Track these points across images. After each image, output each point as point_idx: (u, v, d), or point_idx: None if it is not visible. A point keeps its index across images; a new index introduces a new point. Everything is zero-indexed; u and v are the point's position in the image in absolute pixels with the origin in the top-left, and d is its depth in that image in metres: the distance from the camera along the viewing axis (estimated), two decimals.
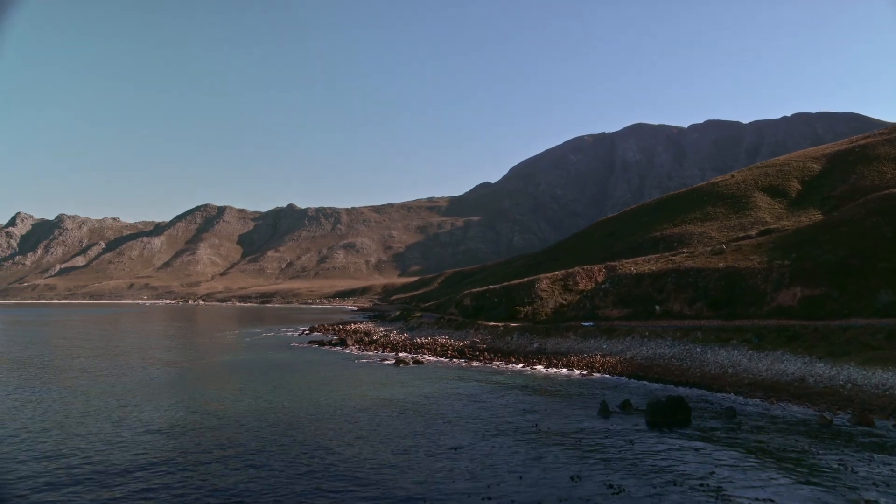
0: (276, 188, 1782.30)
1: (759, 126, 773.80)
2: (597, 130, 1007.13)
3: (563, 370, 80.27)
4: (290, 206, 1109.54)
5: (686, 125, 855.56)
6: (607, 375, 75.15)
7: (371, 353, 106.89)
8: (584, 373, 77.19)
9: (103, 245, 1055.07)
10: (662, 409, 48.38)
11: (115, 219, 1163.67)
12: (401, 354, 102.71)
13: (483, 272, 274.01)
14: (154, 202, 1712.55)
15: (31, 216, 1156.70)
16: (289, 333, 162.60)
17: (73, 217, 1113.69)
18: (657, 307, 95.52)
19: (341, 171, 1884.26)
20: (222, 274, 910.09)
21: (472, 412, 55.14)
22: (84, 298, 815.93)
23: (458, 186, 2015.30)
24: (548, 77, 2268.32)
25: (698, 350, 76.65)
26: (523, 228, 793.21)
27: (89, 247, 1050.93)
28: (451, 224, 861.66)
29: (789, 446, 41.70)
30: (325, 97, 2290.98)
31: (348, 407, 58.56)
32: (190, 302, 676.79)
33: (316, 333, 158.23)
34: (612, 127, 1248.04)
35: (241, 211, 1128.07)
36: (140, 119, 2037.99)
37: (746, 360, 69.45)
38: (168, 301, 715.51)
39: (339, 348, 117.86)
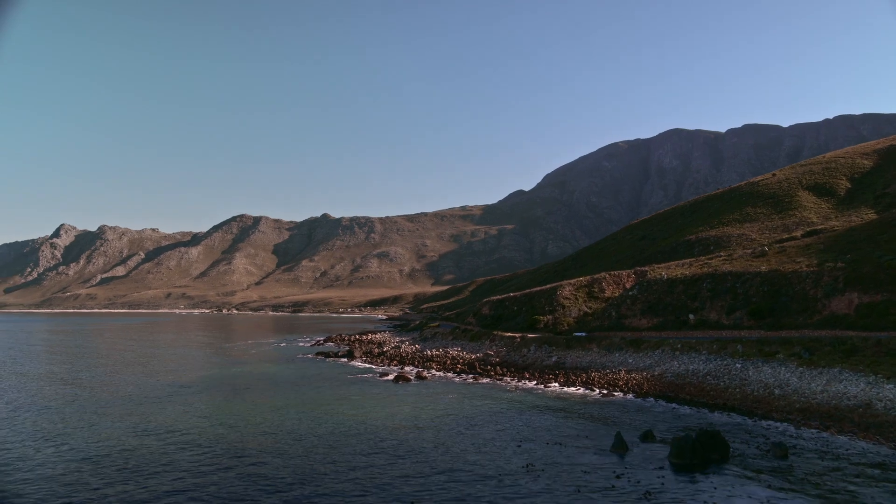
0: (310, 198, 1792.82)
1: (800, 129, 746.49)
2: (631, 136, 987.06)
3: (581, 389, 70.14)
4: (325, 216, 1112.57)
5: (724, 129, 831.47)
6: (631, 396, 64.80)
7: (376, 367, 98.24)
8: (605, 392, 66.95)
9: (142, 255, 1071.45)
10: (692, 447, 38.12)
11: (154, 229, 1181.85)
12: (406, 368, 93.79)
13: (515, 280, 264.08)
14: (192, 213, 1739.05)
15: (74, 227, 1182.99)
16: (300, 344, 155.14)
17: (114, 228, 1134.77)
18: (691, 316, 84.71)
19: (375, 181, 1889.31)
20: (257, 283, 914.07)
21: (457, 442, 45.75)
22: (123, 308, 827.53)
23: (492, 195, 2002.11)
24: (582, 84, 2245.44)
25: (738, 366, 65.78)
26: (557, 236, 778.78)
27: (129, 257, 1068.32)
28: (484, 233, 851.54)
29: (863, 499, 31.39)
30: (359, 108, 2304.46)
31: (316, 432, 49.69)
32: (223, 311, 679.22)
33: (329, 344, 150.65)
34: (648, 133, 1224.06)
35: (276, 221, 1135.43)
36: (179, 132, 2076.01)
37: (796, 378, 58.44)
38: (203, 310, 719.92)
39: (344, 360, 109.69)
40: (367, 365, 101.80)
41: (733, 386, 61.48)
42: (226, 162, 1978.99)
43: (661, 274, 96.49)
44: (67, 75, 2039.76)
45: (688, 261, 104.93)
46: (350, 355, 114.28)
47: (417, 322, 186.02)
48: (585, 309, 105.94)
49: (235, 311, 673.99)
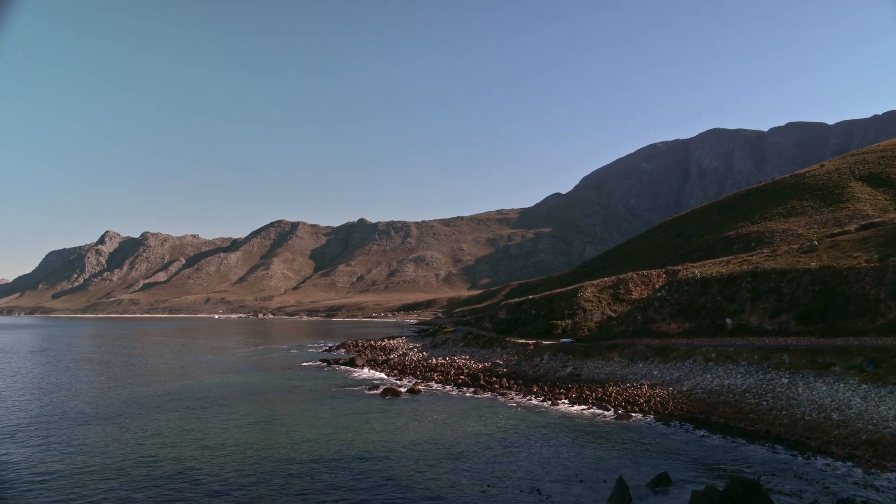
0: (347, 203, 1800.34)
1: (847, 126, 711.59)
2: (670, 137, 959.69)
3: (593, 409, 58.85)
4: (361, 221, 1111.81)
5: (766, 128, 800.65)
6: (651, 418, 53.41)
7: (373, 376, 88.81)
8: (621, 412, 55.66)
9: (183, 261, 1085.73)
10: None
11: (194, 236, 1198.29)
12: (403, 380, 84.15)
13: (548, 283, 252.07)
14: (231, 219, 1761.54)
15: (118, 234, 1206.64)
16: (311, 350, 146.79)
17: (156, 234, 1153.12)
18: (728, 320, 72.64)
19: (411, 185, 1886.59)
20: (295, 288, 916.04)
21: (405, 480, 35.40)
22: (164, 312, 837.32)
23: (528, 198, 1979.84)
24: (618, 85, 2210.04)
25: (784, 381, 53.81)
26: (595, 239, 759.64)
27: (170, 263, 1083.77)
28: (521, 236, 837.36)
29: None
30: (395, 113, 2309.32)
31: (258, 457, 39.98)
32: (259, 316, 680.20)
33: (340, 350, 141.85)
34: (687, 133, 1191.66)
35: (313, 226, 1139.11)
36: (219, 142, 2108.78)
37: (860, 398, 46.39)
38: (240, 315, 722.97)
39: (345, 368, 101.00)
40: (366, 374, 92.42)
41: (778, 407, 49.58)
42: (265, 169, 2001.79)
43: (693, 273, 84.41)
44: (114, 88, 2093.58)
45: (725, 258, 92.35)
46: (353, 363, 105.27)
47: (431, 329, 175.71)
48: (609, 312, 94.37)
49: (271, 316, 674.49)
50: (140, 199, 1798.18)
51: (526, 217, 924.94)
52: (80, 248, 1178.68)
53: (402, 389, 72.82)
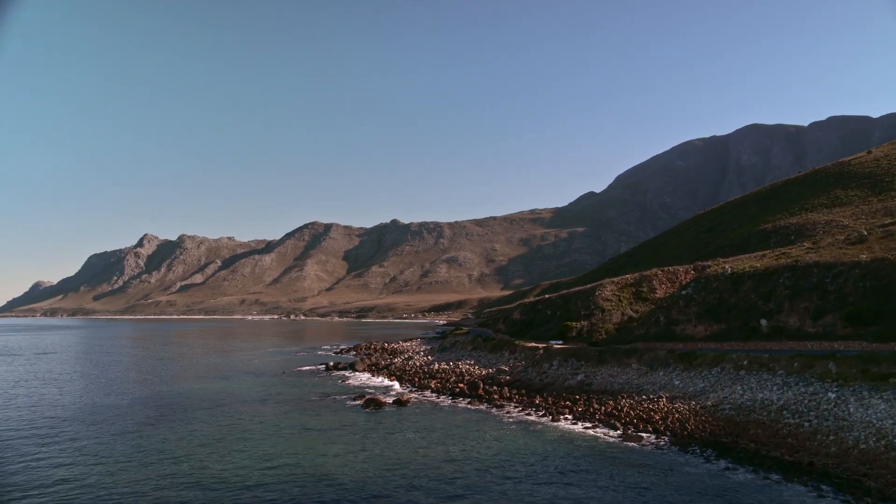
0: (380, 204, 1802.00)
1: (894, 120, 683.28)
2: (707, 133, 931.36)
3: (598, 428, 49.49)
4: (394, 222, 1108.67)
5: (806, 123, 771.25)
6: (665, 440, 44.13)
7: (368, 384, 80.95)
8: (630, 431, 46.55)
9: (219, 263, 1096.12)
10: None
11: (230, 238, 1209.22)
12: (394, 390, 75.85)
13: (574, 283, 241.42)
14: (266, 221, 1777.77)
15: (156, 237, 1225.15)
16: (319, 353, 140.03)
17: (193, 237, 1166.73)
18: (762, 322, 62.73)
19: (444, 186, 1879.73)
20: (328, 289, 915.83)
21: None
22: (199, 314, 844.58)
23: (562, 197, 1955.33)
24: (654, 82, 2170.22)
25: (831, 395, 44.09)
26: (630, 238, 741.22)
27: (206, 265, 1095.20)
28: (554, 236, 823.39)
29: None
30: (427, 115, 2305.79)
31: (192, 479, 32.16)
32: (291, 317, 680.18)
33: (351, 353, 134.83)
34: (724, 129, 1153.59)
35: (346, 227, 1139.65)
36: (254, 145, 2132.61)
37: None
38: (273, 316, 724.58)
39: (342, 373, 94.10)
40: (361, 380, 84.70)
41: (824, 430, 39.92)
42: (299, 171, 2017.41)
43: (724, 268, 74.38)
44: (154, 95, 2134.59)
45: (760, 253, 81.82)
46: (353, 367, 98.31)
47: (444, 331, 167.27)
48: (630, 312, 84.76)
49: (303, 317, 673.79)
50: (177, 203, 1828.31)
51: (559, 216, 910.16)
52: (119, 251, 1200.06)
53: (388, 400, 64.59)
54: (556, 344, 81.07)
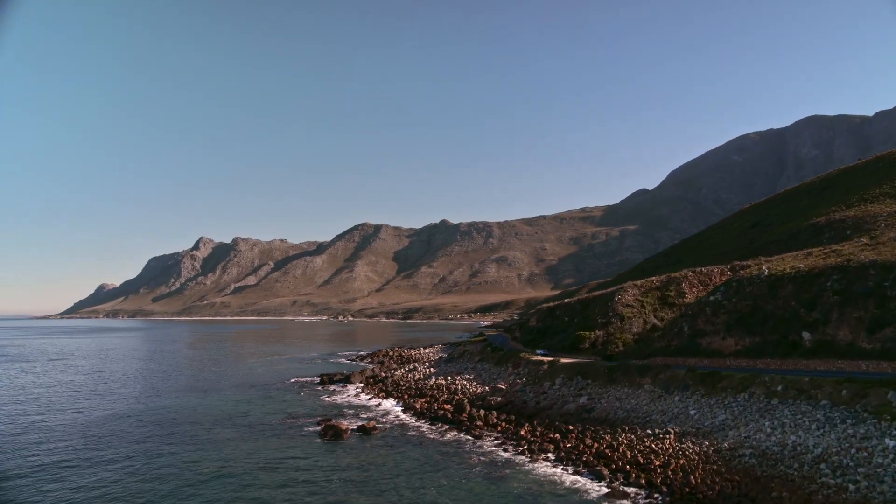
0: (429, 204, 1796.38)
1: None
2: (763, 127, 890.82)
3: (583, 473, 38.94)
4: (443, 222, 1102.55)
5: (871, 113, 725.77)
6: (659, 499, 33.37)
7: (350, 402, 72.10)
8: (618, 484, 35.96)
9: (271, 265, 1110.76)
10: None
11: (282, 240, 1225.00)
12: (371, 412, 66.44)
13: (613, 284, 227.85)
14: (317, 223, 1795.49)
15: (211, 240, 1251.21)
16: (332, 361, 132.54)
17: (246, 240, 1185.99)
18: (805, 334, 50.94)
19: (493, 185, 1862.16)
20: (378, 290, 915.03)
21: None
22: (252, 315, 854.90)
23: (613, 195, 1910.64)
24: (707, 74, 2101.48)
25: (890, 443, 32.43)
26: (683, 236, 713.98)
27: (259, 266, 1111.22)
28: (605, 234, 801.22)
29: None
30: (477, 115, 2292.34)
31: None
32: (339, 318, 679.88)
33: (366, 361, 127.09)
34: (781, 122, 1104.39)
35: (396, 228, 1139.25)
36: (305, 148, 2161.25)
37: None
38: (321, 317, 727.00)
39: (335, 387, 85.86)
40: (345, 397, 76.23)
41: (877, 499, 28.70)
42: (349, 173, 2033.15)
43: (760, 269, 62.33)
44: (208, 101, 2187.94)
45: (806, 251, 68.91)
46: (348, 380, 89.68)
47: (477, 334, 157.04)
48: (654, 320, 73.38)
49: (351, 318, 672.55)
50: (231, 206, 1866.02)
51: (610, 214, 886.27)
52: (177, 253, 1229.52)
53: (353, 427, 55.36)
54: (564, 358, 70.43)
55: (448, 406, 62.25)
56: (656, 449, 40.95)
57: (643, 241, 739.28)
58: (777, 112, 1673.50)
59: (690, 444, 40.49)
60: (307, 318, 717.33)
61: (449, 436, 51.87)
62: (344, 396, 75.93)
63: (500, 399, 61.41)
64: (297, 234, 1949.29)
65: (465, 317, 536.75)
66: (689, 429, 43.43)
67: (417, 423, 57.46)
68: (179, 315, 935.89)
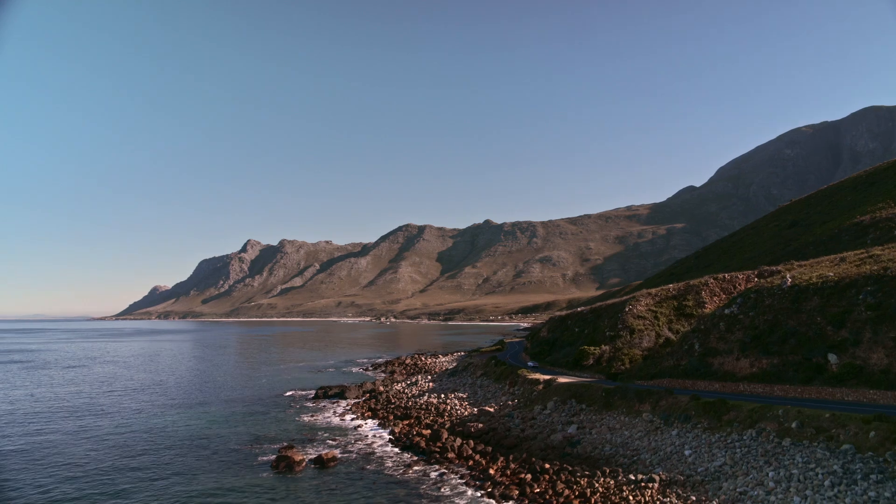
0: (473, 204, 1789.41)
1: None
2: (816, 119, 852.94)
3: None
4: (487, 222, 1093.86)
5: None
6: None
7: (330, 422, 66.51)
8: None
9: (317, 266, 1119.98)
10: None
11: (327, 242, 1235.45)
12: (341, 437, 60.37)
13: (643, 286, 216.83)
14: (362, 224, 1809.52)
15: (259, 242, 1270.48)
16: (344, 370, 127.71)
17: (293, 242, 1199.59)
18: (831, 357, 42.85)
19: (537, 185, 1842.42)
20: (422, 291, 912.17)
21: None
22: (298, 316, 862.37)
23: (659, 192, 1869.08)
24: (756, 67, 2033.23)
25: None
26: None
27: (305, 268, 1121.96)
28: (652, 233, 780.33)
29: None
30: (520, 115, 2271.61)
31: None
32: (381, 319, 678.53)
33: (378, 371, 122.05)
34: (836, 114, 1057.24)
35: (440, 229, 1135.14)
36: (350, 152, 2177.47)
37: None
38: (364, 319, 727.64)
39: (325, 403, 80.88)
40: (326, 416, 70.78)
41: None
42: (393, 174, 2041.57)
43: (783, 278, 53.95)
44: (254, 108, 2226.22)
45: (839, 255, 59.80)
46: (342, 395, 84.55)
47: (499, 340, 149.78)
48: (668, 333, 65.49)
49: (393, 320, 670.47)
50: (278, 209, 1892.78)
51: (657, 212, 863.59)
52: (226, 256, 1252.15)
53: (310, 457, 49.44)
54: (565, 376, 63.26)
55: (427, 432, 55.76)
56: (634, 501, 33.70)
57: (691, 239, 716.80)
58: (831, 104, 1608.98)
59: (674, 499, 33.10)
60: (351, 320, 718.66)
61: (412, 471, 45.42)
62: (326, 416, 70.22)
63: (481, 426, 54.53)
64: (342, 236, 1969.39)
65: (507, 318, 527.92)
66: (679, 475, 35.94)
67: (385, 453, 51.16)
68: (227, 316, 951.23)
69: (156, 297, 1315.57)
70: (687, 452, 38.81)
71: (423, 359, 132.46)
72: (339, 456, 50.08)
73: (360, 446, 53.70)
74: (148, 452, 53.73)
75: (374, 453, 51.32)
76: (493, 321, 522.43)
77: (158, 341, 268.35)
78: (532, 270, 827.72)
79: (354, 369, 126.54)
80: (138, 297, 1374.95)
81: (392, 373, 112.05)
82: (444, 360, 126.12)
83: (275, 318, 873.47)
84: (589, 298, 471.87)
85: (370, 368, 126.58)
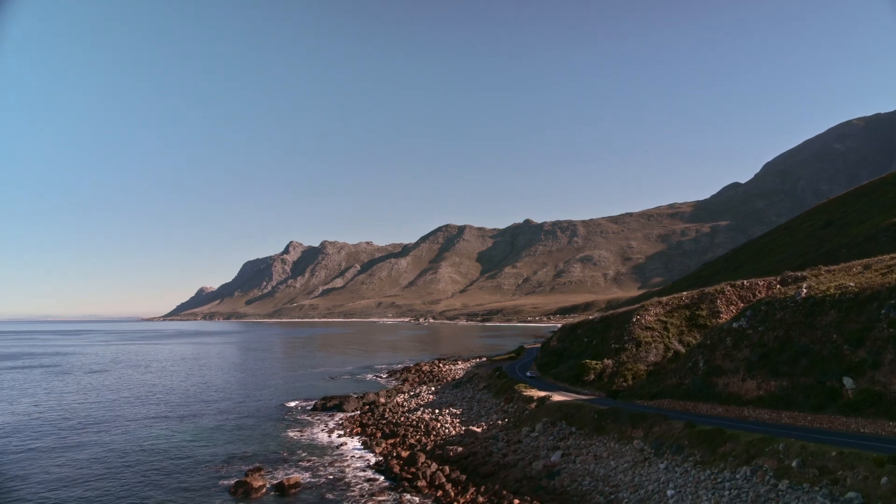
0: (513, 204, 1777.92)
1: None
2: (868, 112, 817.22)
3: None
4: (527, 222, 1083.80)
5: None
6: None
7: (315, 439, 63.01)
8: None
9: (358, 267, 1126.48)
10: None
11: (368, 242, 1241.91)
12: (317, 460, 56.65)
13: (679, 286, 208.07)
14: (402, 225, 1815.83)
15: (300, 244, 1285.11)
16: (359, 377, 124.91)
17: (334, 243, 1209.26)
18: (847, 381, 37.20)
19: (578, 184, 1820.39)
20: (461, 291, 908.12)
21: None
22: (339, 317, 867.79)
23: (703, 190, 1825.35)
24: (802, 59, 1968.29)
25: None
26: None
27: (346, 269, 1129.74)
28: (695, 231, 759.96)
29: None
30: (561, 114, 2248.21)
31: None
32: (420, 320, 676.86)
33: (392, 379, 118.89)
34: (890, 105, 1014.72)
35: (479, 229, 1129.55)
36: (391, 151, 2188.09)
37: None
38: (403, 319, 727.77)
39: (321, 415, 78.05)
40: (313, 433, 67.56)
41: None
42: (433, 175, 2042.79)
43: (797, 288, 48.09)
44: (296, 112, 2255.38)
45: (864, 261, 53.03)
46: (340, 407, 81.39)
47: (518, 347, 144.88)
48: (678, 346, 60.02)
49: (431, 320, 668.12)
50: (320, 210, 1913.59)
51: (700, 210, 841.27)
52: (268, 257, 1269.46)
53: (272, 483, 45.89)
54: (561, 393, 58.42)
55: (405, 454, 51.68)
56: None
57: (736, 236, 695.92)
58: (884, 94, 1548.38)
59: None
60: (390, 321, 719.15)
61: (373, 501, 41.37)
62: (315, 432, 66.79)
63: (461, 450, 50.08)
64: (382, 237, 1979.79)
65: (545, 319, 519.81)
66: None
67: (355, 479, 47.30)
68: (270, 317, 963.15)
69: (202, 298, 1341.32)
70: (670, 493, 33.80)
71: (441, 365, 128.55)
72: (305, 481, 46.41)
73: (332, 470, 49.98)
74: (111, 470, 51.17)
75: (343, 478, 47.54)
76: (531, 322, 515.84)
77: (193, 343, 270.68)
78: (573, 270, 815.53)
79: (369, 376, 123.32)
80: (185, 298, 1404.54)
81: (404, 381, 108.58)
82: (459, 367, 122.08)
83: (316, 319, 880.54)
84: (629, 299, 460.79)
85: (385, 375, 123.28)
